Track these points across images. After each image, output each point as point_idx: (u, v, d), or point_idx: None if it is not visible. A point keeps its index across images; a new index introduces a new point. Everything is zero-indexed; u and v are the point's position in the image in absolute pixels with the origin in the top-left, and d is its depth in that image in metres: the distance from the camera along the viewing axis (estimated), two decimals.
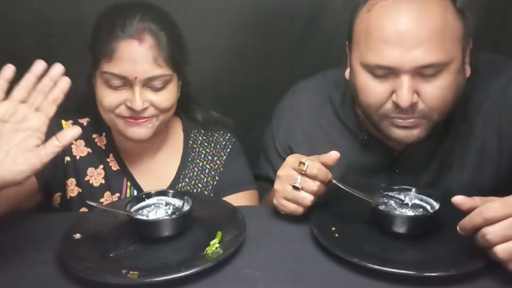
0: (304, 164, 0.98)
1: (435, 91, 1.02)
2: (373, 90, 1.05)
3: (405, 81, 1.00)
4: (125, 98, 1.11)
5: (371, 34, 1.02)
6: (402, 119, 1.04)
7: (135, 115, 1.12)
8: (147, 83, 1.11)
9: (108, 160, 1.25)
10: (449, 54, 1.01)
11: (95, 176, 1.24)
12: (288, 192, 1.01)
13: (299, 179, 0.99)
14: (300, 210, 1.01)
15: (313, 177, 0.99)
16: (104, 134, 1.26)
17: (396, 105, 1.03)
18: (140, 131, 1.14)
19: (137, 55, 1.08)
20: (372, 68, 1.03)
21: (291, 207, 1.02)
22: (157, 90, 1.12)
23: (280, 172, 1.03)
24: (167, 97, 1.14)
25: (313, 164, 0.98)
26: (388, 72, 1.02)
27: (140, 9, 1.12)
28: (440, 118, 1.06)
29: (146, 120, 1.13)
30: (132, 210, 0.99)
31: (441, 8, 1.01)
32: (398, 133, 1.07)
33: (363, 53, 1.04)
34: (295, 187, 0.99)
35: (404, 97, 1.00)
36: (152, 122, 1.15)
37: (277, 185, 1.03)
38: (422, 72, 1.00)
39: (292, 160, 1.02)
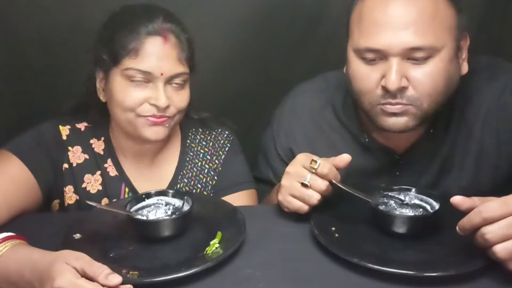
0: (316, 162, 0.99)
1: (425, 77, 1.02)
2: (364, 76, 1.06)
3: (394, 64, 1.01)
4: (148, 95, 1.10)
5: (363, 19, 1.04)
6: (392, 104, 1.04)
7: (157, 114, 1.11)
8: (170, 80, 1.12)
9: (106, 165, 1.24)
10: (439, 39, 1.01)
11: (92, 183, 1.22)
12: (295, 189, 1.01)
13: (309, 177, 0.99)
14: (305, 208, 1.01)
15: (323, 176, 0.99)
16: (102, 138, 1.25)
17: (386, 90, 1.03)
18: (159, 130, 1.13)
19: (162, 52, 1.10)
20: (363, 52, 1.04)
21: (297, 204, 1.02)
22: (177, 89, 1.14)
23: (289, 169, 1.03)
24: (185, 96, 1.16)
25: (324, 163, 0.99)
26: (378, 56, 1.03)
27: (160, 10, 1.14)
28: (429, 107, 1.05)
29: (165, 119, 1.13)
30: (132, 210, 0.99)
31: None
32: (387, 120, 1.07)
33: (356, 39, 1.06)
34: (303, 184, 1.00)
35: (392, 80, 1.01)
36: (169, 122, 1.14)
37: (284, 181, 1.03)
38: (411, 56, 1.01)
39: (303, 158, 1.03)
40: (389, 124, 1.07)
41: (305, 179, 0.99)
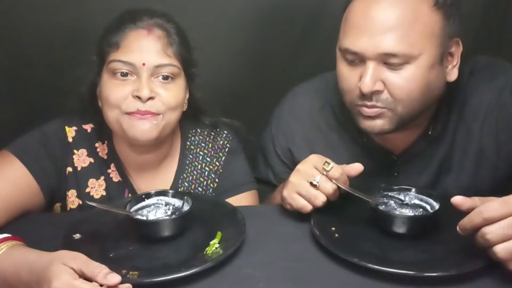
0: (329, 164, 0.99)
1: (400, 82, 1.02)
2: (345, 75, 1.08)
3: (370, 68, 1.02)
4: (132, 88, 1.08)
5: (347, 21, 1.06)
6: (368, 107, 1.05)
7: (141, 108, 1.08)
8: (155, 72, 1.10)
9: (109, 171, 1.21)
10: (416, 46, 1.01)
11: (96, 188, 1.20)
12: (303, 187, 1.01)
13: (318, 178, 0.99)
14: (308, 208, 1.01)
15: (333, 180, 0.99)
16: (106, 142, 1.22)
17: (361, 92, 1.04)
18: (145, 127, 1.08)
19: (145, 44, 1.10)
20: (344, 52, 1.06)
21: (301, 202, 1.01)
22: (165, 83, 1.11)
23: (300, 166, 1.03)
24: (174, 93, 1.12)
25: (337, 167, 0.99)
26: (357, 58, 1.04)
27: (150, 10, 1.15)
28: (404, 112, 1.05)
29: (151, 115, 1.09)
30: (132, 210, 0.99)
31: (416, 1, 1.02)
32: (364, 122, 1.08)
33: (340, 39, 1.08)
34: (312, 184, 1.00)
35: (366, 83, 1.02)
36: (157, 120, 1.10)
37: (293, 178, 1.03)
38: (387, 61, 1.02)
39: (315, 158, 1.03)
40: (365, 126, 1.08)
41: (315, 179, 0.99)
